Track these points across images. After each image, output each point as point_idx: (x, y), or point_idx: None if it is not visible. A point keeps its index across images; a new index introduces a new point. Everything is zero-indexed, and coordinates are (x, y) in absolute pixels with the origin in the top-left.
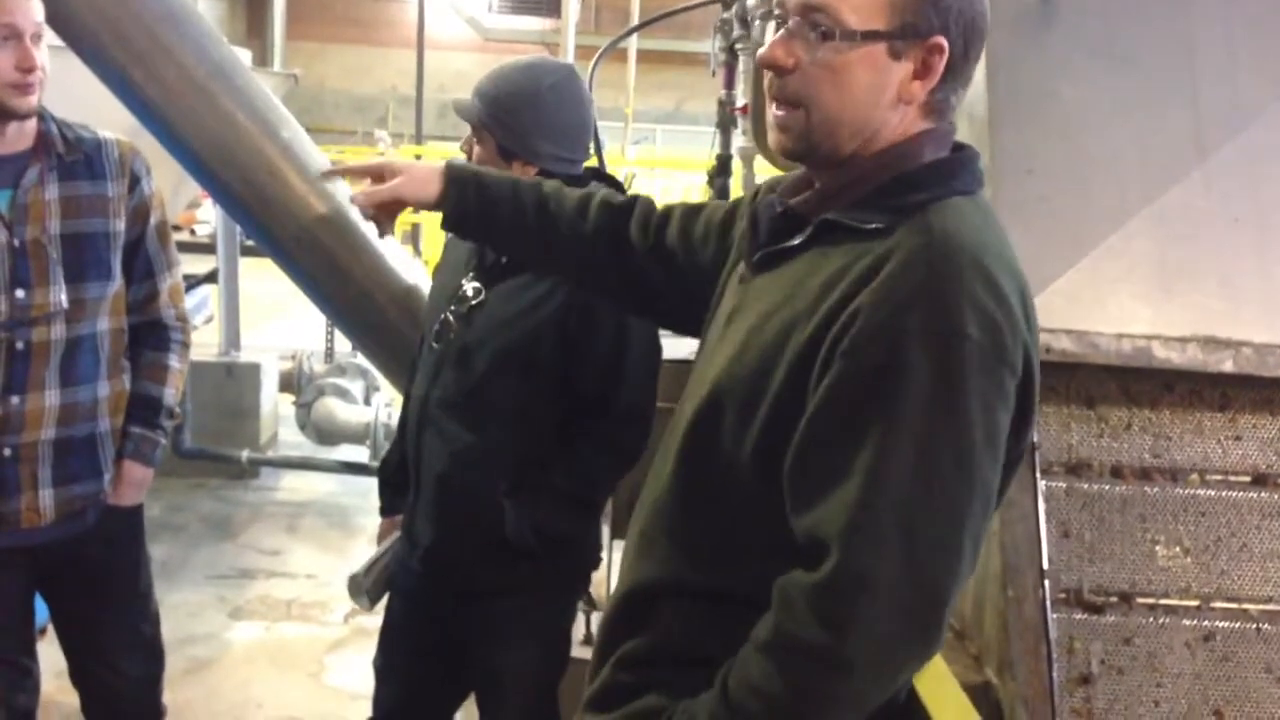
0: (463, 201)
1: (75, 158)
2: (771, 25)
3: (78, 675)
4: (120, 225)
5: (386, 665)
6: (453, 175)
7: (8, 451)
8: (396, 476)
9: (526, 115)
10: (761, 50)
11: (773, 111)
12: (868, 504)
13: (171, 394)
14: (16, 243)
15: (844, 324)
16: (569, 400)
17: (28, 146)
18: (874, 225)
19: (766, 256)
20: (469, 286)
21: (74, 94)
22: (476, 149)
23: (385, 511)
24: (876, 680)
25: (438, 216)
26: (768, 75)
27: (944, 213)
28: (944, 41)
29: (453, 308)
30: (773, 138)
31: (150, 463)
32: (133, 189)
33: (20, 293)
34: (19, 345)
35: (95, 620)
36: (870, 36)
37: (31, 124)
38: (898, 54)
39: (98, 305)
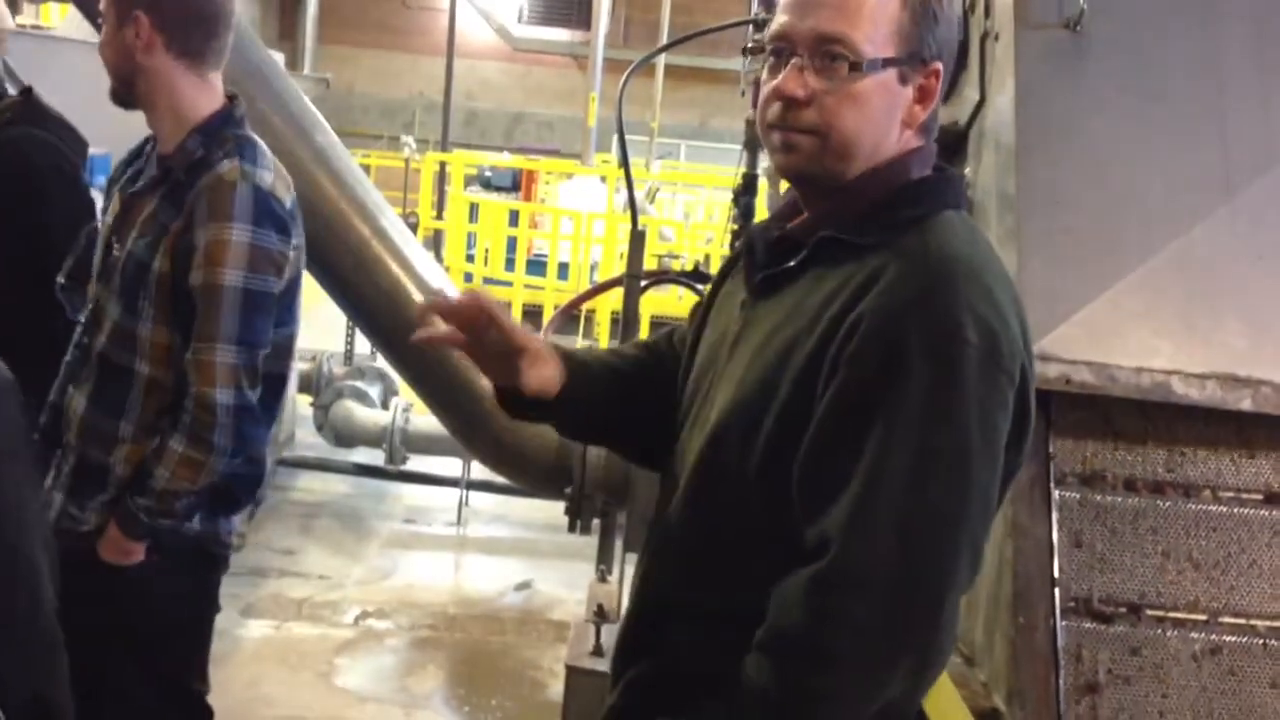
0: (574, 394)
1: (183, 182)
2: (772, 59)
3: None
4: (165, 265)
5: None
6: (571, 367)
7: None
8: None
9: None
10: (774, 83)
11: (779, 136)
12: (865, 503)
13: (163, 476)
14: (114, 241)
15: (846, 332)
16: None
17: (168, 152)
18: (871, 240)
19: (766, 281)
20: None
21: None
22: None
23: None
24: (862, 681)
25: (459, 224)
26: (774, 104)
27: (938, 227)
28: (940, 67)
29: None
30: (780, 159)
31: (129, 535)
32: (186, 230)
33: (99, 286)
34: (85, 340)
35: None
36: (889, 64)
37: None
38: (906, 79)
39: (131, 339)
